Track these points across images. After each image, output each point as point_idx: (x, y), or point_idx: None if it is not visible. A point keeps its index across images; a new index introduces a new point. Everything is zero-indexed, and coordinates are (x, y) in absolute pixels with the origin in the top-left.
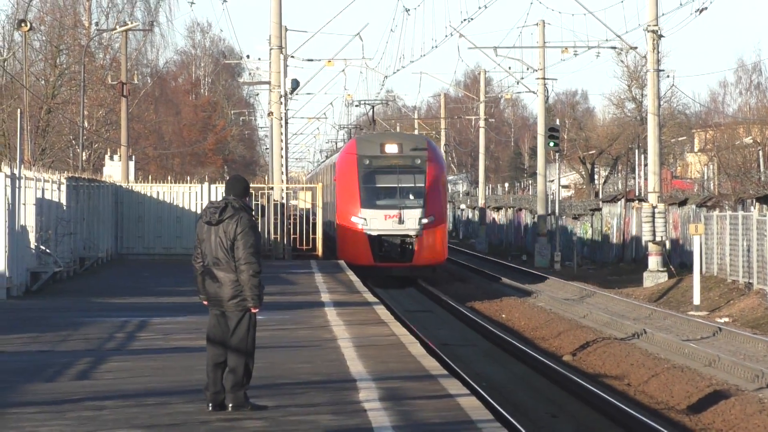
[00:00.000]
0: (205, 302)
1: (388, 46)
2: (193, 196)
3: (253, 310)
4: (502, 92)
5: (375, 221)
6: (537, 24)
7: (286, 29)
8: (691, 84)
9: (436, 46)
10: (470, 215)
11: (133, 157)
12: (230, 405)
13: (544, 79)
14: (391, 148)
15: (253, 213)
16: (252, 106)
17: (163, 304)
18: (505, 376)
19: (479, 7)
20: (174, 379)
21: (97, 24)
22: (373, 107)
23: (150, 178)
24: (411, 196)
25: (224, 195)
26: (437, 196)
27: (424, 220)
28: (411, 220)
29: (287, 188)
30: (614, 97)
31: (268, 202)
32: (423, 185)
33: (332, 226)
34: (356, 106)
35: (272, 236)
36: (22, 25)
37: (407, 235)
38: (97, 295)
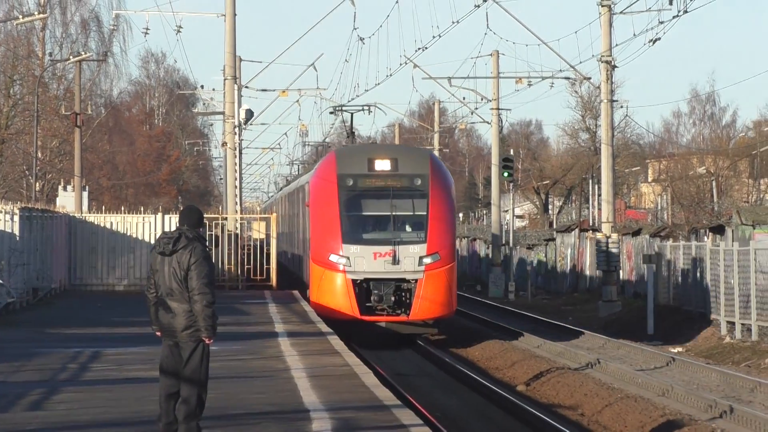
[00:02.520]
0: (159, 333)
1: (342, 75)
2: (146, 226)
3: (207, 341)
4: (457, 122)
5: (361, 261)
6: (491, 54)
7: (241, 60)
8: (645, 114)
9: (391, 75)
10: None
11: (87, 187)
12: None
13: (498, 109)
14: (383, 165)
15: (207, 243)
16: (206, 137)
17: (116, 335)
18: (459, 407)
19: (433, 37)
20: (127, 409)
21: (50, 54)
22: (352, 115)
23: (104, 208)
24: (409, 228)
25: (178, 225)
26: (443, 226)
27: (427, 260)
28: (409, 259)
29: (241, 218)
30: (568, 127)
31: (222, 232)
32: (425, 213)
33: (301, 265)
34: (331, 113)
35: (226, 266)
36: None
37: (404, 280)
38: (50, 326)
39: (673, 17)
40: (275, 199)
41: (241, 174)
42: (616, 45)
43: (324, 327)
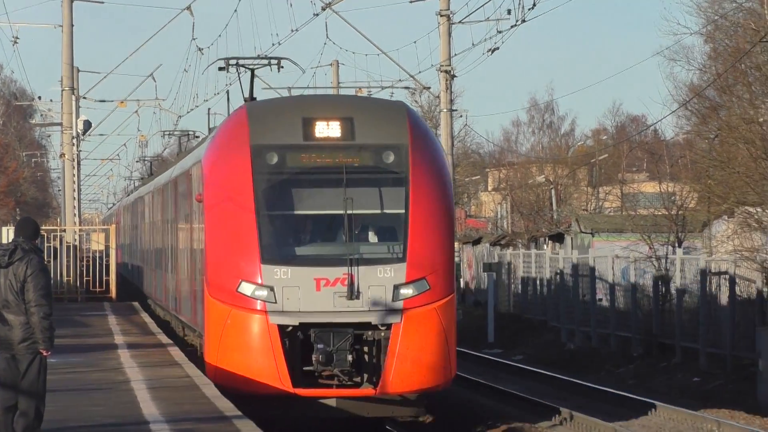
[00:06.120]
0: None
1: (181, 86)
2: None
3: (44, 353)
4: None
5: (294, 293)
6: (330, 65)
7: (78, 70)
8: (485, 123)
9: (230, 84)
10: None
11: None
12: None
13: None
14: (329, 128)
15: (44, 255)
16: (44, 148)
17: None
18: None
19: (273, 44)
20: None
21: None
22: (253, 72)
23: None
24: (374, 236)
25: (14, 237)
26: (434, 234)
27: (407, 290)
28: (377, 290)
29: (80, 230)
30: None
31: (61, 244)
32: (402, 211)
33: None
34: (221, 69)
35: (65, 278)
36: None
37: (368, 325)
38: None
39: (511, 27)
40: (117, 207)
41: (79, 185)
42: (456, 55)
43: (164, 338)
